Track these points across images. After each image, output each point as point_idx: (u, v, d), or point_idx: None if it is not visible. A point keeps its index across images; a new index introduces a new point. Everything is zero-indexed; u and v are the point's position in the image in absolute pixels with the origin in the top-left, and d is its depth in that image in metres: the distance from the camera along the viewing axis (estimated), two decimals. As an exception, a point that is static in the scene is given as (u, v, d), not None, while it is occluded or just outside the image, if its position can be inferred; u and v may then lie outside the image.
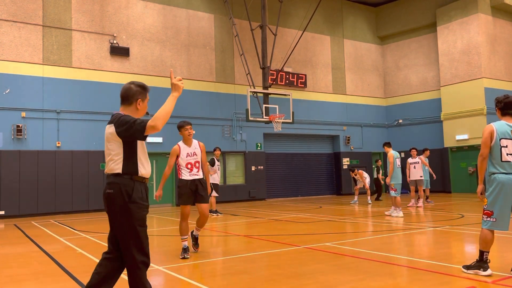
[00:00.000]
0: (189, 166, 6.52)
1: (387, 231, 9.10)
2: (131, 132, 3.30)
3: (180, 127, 6.58)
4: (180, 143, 6.58)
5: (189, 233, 6.82)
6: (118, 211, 3.36)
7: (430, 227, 9.26)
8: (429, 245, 7.26)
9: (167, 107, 3.29)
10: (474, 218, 10.80)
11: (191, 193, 6.48)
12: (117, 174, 3.40)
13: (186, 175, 6.49)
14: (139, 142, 3.47)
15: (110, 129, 3.42)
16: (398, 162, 11.78)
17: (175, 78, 3.40)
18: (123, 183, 3.37)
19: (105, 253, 3.57)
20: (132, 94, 3.55)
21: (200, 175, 6.56)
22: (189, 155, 6.54)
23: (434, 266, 5.47)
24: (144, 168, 3.50)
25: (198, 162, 6.57)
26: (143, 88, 3.59)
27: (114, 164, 3.42)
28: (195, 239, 6.95)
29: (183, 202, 6.51)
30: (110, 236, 3.54)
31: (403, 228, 9.36)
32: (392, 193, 11.50)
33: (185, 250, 6.46)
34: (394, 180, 11.55)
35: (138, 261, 3.37)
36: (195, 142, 6.64)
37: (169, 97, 3.34)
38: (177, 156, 6.52)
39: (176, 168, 6.72)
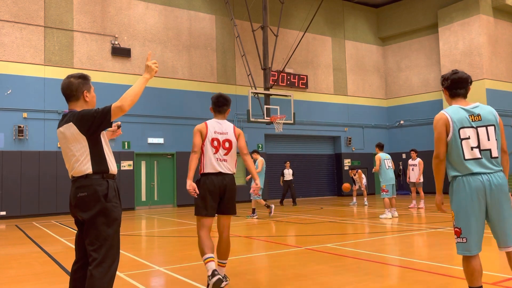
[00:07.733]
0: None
1: (388, 232, 9.09)
2: (98, 122, 3.08)
3: None
4: None
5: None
6: (95, 214, 3.11)
7: (431, 229, 9.24)
8: (430, 247, 7.24)
9: (137, 87, 3.13)
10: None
11: None
12: (87, 175, 3.15)
13: None
14: (103, 137, 3.26)
15: (71, 128, 3.14)
16: (388, 163, 11.70)
17: (151, 61, 3.28)
18: (96, 184, 3.15)
19: (75, 263, 3.33)
20: (75, 88, 3.27)
21: None
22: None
23: (435, 267, 5.46)
24: (113, 164, 3.29)
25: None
26: (84, 78, 3.32)
27: (81, 165, 3.15)
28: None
29: None
30: (79, 243, 3.30)
31: (404, 230, 9.34)
32: (383, 194, 11.49)
33: None
34: (385, 181, 11.52)
35: (110, 264, 3.13)
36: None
37: (140, 78, 3.20)
38: None
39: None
